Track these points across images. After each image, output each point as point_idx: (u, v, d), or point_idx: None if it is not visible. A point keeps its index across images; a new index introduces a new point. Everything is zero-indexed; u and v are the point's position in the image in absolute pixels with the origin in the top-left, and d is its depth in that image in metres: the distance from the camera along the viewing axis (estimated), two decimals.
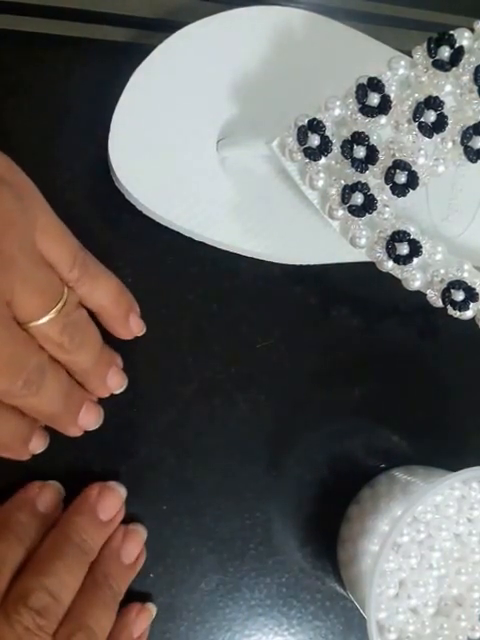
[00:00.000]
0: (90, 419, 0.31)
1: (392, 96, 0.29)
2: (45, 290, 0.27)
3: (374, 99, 0.29)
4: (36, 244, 0.27)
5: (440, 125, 0.28)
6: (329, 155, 0.30)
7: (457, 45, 0.28)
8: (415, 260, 0.30)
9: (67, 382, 0.29)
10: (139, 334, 0.32)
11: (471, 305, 0.30)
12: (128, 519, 0.33)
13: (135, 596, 0.32)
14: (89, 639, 0.27)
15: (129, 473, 0.33)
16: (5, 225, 0.25)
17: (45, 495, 0.31)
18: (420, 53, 0.28)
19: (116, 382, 0.32)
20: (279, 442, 0.35)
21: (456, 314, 0.30)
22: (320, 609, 0.36)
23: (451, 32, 0.28)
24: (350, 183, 0.30)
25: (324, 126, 0.29)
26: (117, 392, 0.32)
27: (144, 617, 0.32)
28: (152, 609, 0.33)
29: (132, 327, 0.32)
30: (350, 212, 0.30)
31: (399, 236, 0.29)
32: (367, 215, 0.30)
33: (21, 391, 0.27)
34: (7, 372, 0.26)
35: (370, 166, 0.29)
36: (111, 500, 0.31)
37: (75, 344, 0.28)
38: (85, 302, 0.30)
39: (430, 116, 0.28)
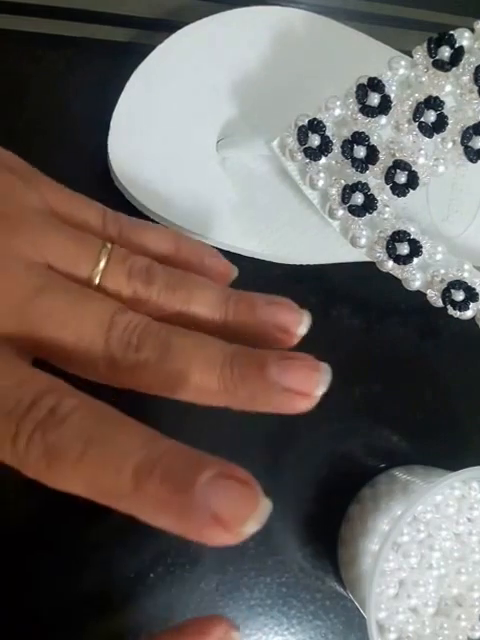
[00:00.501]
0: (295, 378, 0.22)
1: (392, 96, 0.29)
2: (79, 238, 0.23)
3: (374, 99, 0.29)
4: (56, 211, 0.24)
5: (440, 125, 0.28)
6: (329, 155, 0.30)
7: (457, 45, 0.28)
8: (415, 260, 0.30)
9: (210, 337, 0.22)
10: (230, 274, 0.27)
11: (471, 305, 0.30)
12: (128, 518, 0.32)
13: (135, 596, 0.32)
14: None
15: None
16: (12, 195, 0.23)
17: None
18: (420, 53, 0.28)
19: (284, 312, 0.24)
20: (279, 441, 0.35)
21: (456, 314, 0.30)
22: (320, 609, 0.36)
23: (451, 32, 0.28)
24: (350, 183, 0.30)
25: (324, 126, 0.29)
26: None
27: None
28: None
29: (213, 268, 0.26)
30: (350, 212, 0.30)
31: (399, 236, 0.30)
32: (367, 215, 0.30)
33: (126, 357, 0.21)
34: (99, 326, 0.21)
35: (370, 166, 0.29)
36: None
37: (157, 287, 0.23)
38: (147, 253, 0.25)
39: (430, 116, 0.28)
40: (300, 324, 0.24)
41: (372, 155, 0.29)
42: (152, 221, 0.32)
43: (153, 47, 0.32)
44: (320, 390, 0.22)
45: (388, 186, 0.29)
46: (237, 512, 0.19)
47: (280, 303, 0.24)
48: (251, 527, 0.19)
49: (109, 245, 0.23)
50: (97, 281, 0.23)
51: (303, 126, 0.30)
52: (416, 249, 0.30)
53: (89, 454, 0.18)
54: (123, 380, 0.22)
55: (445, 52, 0.28)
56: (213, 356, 0.22)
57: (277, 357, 0.22)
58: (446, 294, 0.30)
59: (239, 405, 0.22)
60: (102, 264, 0.23)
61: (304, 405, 0.22)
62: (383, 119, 0.29)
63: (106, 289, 0.23)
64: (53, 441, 0.18)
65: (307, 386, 0.22)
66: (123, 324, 0.21)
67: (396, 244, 0.30)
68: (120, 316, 0.22)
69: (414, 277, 0.30)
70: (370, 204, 0.30)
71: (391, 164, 0.29)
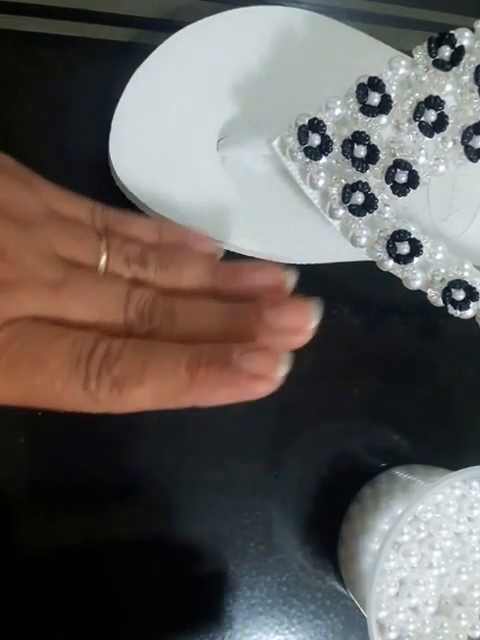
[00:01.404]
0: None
1: (393, 96, 0.29)
2: (80, 235, 0.26)
3: (375, 99, 0.29)
4: (55, 211, 0.26)
5: (440, 125, 0.28)
6: (330, 154, 0.30)
7: (457, 45, 0.28)
8: (416, 259, 0.30)
9: (206, 301, 0.26)
10: (212, 251, 0.29)
11: (471, 304, 0.30)
12: (127, 519, 0.33)
13: (136, 596, 0.33)
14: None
15: (129, 473, 0.33)
16: (12, 199, 0.25)
17: None
18: (421, 53, 0.28)
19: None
20: (279, 441, 0.35)
21: (457, 313, 0.30)
22: (320, 608, 0.36)
23: (451, 32, 0.28)
24: (351, 182, 0.30)
25: (325, 125, 0.29)
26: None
27: None
28: None
29: (195, 248, 0.28)
30: (351, 211, 0.30)
31: (400, 235, 0.30)
32: (368, 214, 0.30)
33: (142, 326, 0.24)
34: (117, 303, 0.24)
35: (371, 165, 0.29)
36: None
37: (152, 268, 0.26)
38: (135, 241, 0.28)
39: (431, 116, 0.28)
40: (285, 282, 0.27)
41: (372, 155, 0.29)
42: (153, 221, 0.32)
43: (154, 47, 0.32)
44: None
45: (388, 186, 0.29)
46: (266, 367, 0.23)
47: (261, 268, 0.27)
48: (280, 371, 0.23)
49: (105, 239, 0.26)
50: (102, 268, 0.26)
51: (303, 126, 0.30)
52: (416, 248, 0.30)
53: (148, 371, 0.22)
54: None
55: (445, 52, 0.28)
56: (214, 315, 0.25)
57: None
58: (446, 293, 0.30)
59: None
60: (104, 256, 0.26)
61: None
62: (383, 119, 0.29)
63: (112, 274, 0.26)
64: (118, 372, 0.22)
65: (302, 316, 0.25)
66: (137, 299, 0.25)
67: (396, 243, 0.30)
68: (133, 293, 0.25)
69: (414, 276, 0.30)
70: (370, 203, 0.30)
71: (391, 163, 0.29)
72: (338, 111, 0.29)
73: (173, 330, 0.25)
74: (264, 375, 0.23)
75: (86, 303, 0.24)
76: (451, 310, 0.30)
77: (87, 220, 0.27)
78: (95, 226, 0.27)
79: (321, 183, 0.30)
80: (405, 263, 0.30)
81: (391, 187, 0.29)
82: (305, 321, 0.25)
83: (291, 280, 0.27)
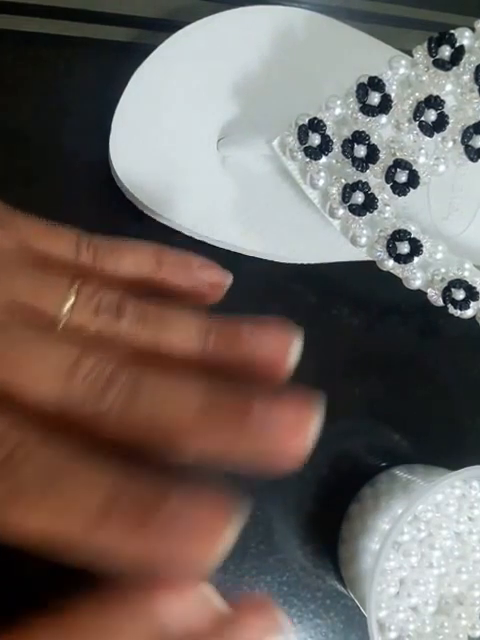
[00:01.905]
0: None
1: (393, 95, 0.29)
2: (48, 279, 0.22)
3: (375, 98, 0.29)
4: (31, 249, 0.23)
5: (441, 124, 0.28)
6: (330, 154, 0.30)
7: (458, 44, 0.28)
8: (416, 259, 0.30)
9: (184, 377, 0.20)
10: (225, 285, 0.25)
11: (472, 304, 0.30)
12: None
13: None
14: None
15: None
16: None
17: None
18: (421, 52, 0.28)
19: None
20: None
21: (457, 313, 0.30)
22: (320, 607, 0.36)
23: (452, 31, 0.28)
24: (351, 182, 0.30)
25: (325, 125, 0.29)
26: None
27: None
28: None
29: (202, 277, 0.25)
30: (351, 211, 0.30)
31: (400, 235, 0.30)
32: (368, 214, 0.30)
33: (90, 399, 0.19)
34: (56, 372, 0.20)
35: (371, 165, 0.29)
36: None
37: (128, 320, 0.22)
38: (123, 279, 0.24)
39: (431, 115, 0.28)
40: (290, 354, 0.22)
41: (372, 154, 0.29)
42: (153, 220, 0.32)
43: (154, 47, 0.32)
44: (311, 430, 0.19)
45: (388, 185, 0.29)
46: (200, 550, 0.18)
47: (268, 329, 0.22)
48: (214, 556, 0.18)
49: (77, 284, 0.22)
50: (64, 320, 0.22)
51: (303, 125, 0.30)
52: (416, 248, 0.30)
53: (49, 496, 0.18)
54: (81, 429, 0.20)
55: (446, 51, 0.28)
56: (188, 396, 0.20)
57: (264, 398, 0.20)
58: (447, 293, 0.30)
59: (216, 450, 0.20)
60: (69, 303, 0.22)
61: (293, 449, 0.20)
62: (383, 118, 0.29)
63: (74, 327, 0.22)
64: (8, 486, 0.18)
65: (297, 427, 0.20)
66: (86, 369, 0.20)
67: (396, 243, 0.30)
68: (83, 361, 0.20)
69: (414, 276, 0.30)
70: (370, 203, 0.30)
71: (391, 163, 0.29)
72: (338, 111, 0.29)
73: (127, 415, 0.19)
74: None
75: (13, 364, 0.20)
76: (451, 310, 0.30)
77: (71, 254, 0.24)
78: (80, 260, 0.24)
79: (321, 183, 0.30)
80: (405, 263, 0.30)
81: (391, 187, 0.29)
82: (303, 427, 0.20)
83: (297, 346, 0.22)
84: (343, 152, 0.30)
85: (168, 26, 0.33)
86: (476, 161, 0.29)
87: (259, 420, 0.19)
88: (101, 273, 0.24)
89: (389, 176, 0.29)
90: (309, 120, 0.29)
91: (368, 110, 0.29)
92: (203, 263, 0.25)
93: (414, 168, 0.29)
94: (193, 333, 0.22)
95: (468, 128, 0.28)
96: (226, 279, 0.25)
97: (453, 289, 0.30)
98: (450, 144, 0.29)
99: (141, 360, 0.21)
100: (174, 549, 0.18)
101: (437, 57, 0.28)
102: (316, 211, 0.32)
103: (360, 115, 0.29)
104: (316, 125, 0.29)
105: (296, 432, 0.19)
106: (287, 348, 0.22)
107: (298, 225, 0.33)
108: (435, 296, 0.30)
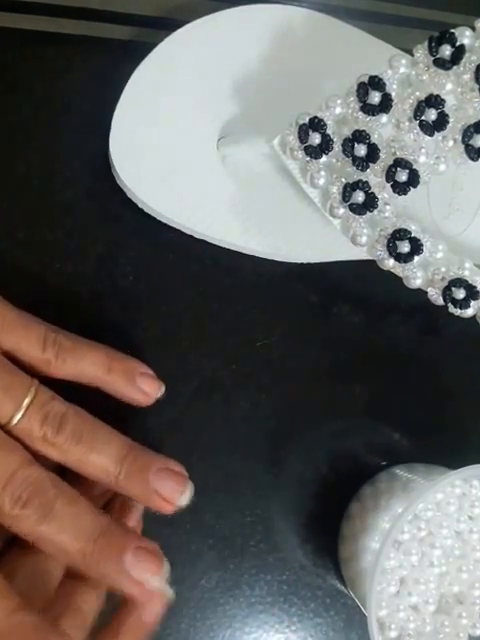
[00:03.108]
0: (145, 564, 0.26)
1: (393, 94, 0.29)
2: (9, 387, 0.26)
3: (375, 97, 0.29)
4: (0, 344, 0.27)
5: (441, 123, 0.28)
6: (330, 153, 0.30)
7: (458, 43, 0.28)
8: (416, 258, 0.30)
9: (90, 509, 0.26)
10: (156, 395, 0.30)
11: (472, 303, 0.30)
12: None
13: None
14: None
15: None
16: None
17: None
18: (421, 51, 0.28)
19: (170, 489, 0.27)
20: (280, 440, 0.35)
21: (457, 312, 0.30)
22: (321, 606, 0.36)
23: (452, 31, 0.28)
24: (351, 181, 0.30)
25: (325, 124, 0.29)
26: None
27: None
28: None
29: (142, 389, 0.29)
30: (351, 210, 0.30)
31: (400, 234, 0.30)
32: (368, 213, 0.30)
33: (12, 510, 0.24)
34: None
35: (371, 164, 0.29)
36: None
37: (65, 436, 0.26)
38: (78, 379, 0.28)
39: (431, 114, 0.28)
40: (182, 496, 0.27)
41: (373, 153, 0.29)
42: (153, 219, 0.32)
43: (154, 45, 0.32)
44: (160, 587, 0.25)
45: (389, 184, 0.29)
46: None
47: (169, 472, 0.27)
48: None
49: (34, 389, 0.26)
50: (15, 423, 0.26)
51: (304, 124, 0.30)
52: (417, 247, 0.30)
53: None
54: (5, 524, 0.25)
55: (446, 50, 0.28)
56: (84, 529, 0.25)
57: (135, 546, 0.25)
58: (447, 292, 0.30)
59: (95, 578, 0.26)
60: (23, 407, 0.26)
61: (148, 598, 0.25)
62: (384, 117, 0.29)
63: (21, 430, 0.26)
64: None
65: (151, 584, 0.25)
66: (21, 479, 0.25)
67: (397, 242, 0.30)
68: (23, 471, 0.25)
69: (415, 275, 0.30)
70: (371, 202, 0.30)
71: (392, 162, 0.29)
72: (339, 110, 0.29)
73: (38, 527, 0.24)
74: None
75: None
76: (451, 309, 0.30)
77: (37, 350, 0.27)
78: (45, 355, 0.27)
79: (321, 182, 0.30)
80: (405, 262, 0.30)
81: (391, 186, 0.29)
82: (156, 584, 0.25)
83: (188, 495, 0.27)
84: (343, 151, 0.29)
85: (168, 25, 0.32)
86: (476, 160, 0.29)
87: (129, 563, 0.25)
88: (59, 370, 0.28)
89: (389, 175, 0.29)
90: (309, 119, 0.29)
91: (368, 109, 0.29)
92: (144, 372, 0.29)
93: (414, 167, 0.29)
94: (112, 457, 0.27)
95: (468, 127, 0.28)
96: (159, 390, 0.30)
97: (453, 288, 0.30)
98: (450, 143, 0.29)
99: (72, 468, 0.27)
100: None
101: (437, 56, 0.28)
102: (316, 210, 0.31)
103: (360, 114, 0.29)
104: (316, 124, 0.29)
105: (152, 583, 0.26)
106: (179, 496, 0.27)
107: (298, 224, 0.33)
108: (435, 295, 0.30)
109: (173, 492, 0.27)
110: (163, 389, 0.30)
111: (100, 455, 0.26)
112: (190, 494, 0.27)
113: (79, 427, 0.26)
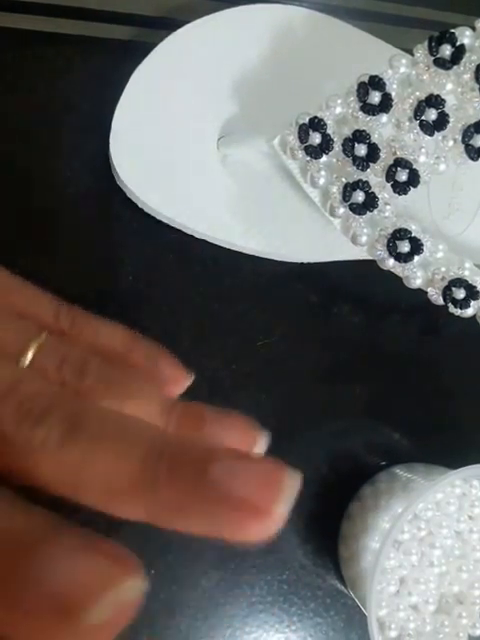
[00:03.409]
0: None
1: (393, 94, 0.29)
2: (19, 325, 0.22)
3: (375, 97, 0.29)
4: (8, 301, 0.23)
5: (441, 123, 0.28)
6: (330, 153, 0.30)
7: (458, 43, 0.28)
8: (416, 258, 0.30)
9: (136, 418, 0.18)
10: (184, 382, 0.24)
11: (472, 303, 0.30)
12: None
13: None
14: None
15: None
16: None
17: None
18: (421, 51, 0.28)
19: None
20: (280, 440, 0.35)
21: (457, 312, 0.30)
22: (321, 606, 0.36)
23: (452, 30, 0.28)
24: (351, 181, 0.30)
25: (325, 124, 0.29)
26: None
27: None
28: None
29: (167, 372, 0.24)
30: (351, 210, 0.30)
31: (400, 234, 0.30)
32: (368, 213, 0.30)
33: (19, 430, 0.17)
34: None
35: (371, 164, 0.29)
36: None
37: (90, 380, 0.21)
38: (98, 349, 0.23)
39: (431, 114, 0.28)
40: (256, 445, 0.21)
41: (373, 153, 0.29)
42: (153, 219, 0.32)
43: (154, 45, 0.32)
44: (282, 506, 0.16)
45: (389, 184, 0.29)
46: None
47: (230, 423, 0.21)
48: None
49: (44, 335, 0.21)
50: (27, 358, 0.20)
51: (304, 124, 0.30)
52: (417, 247, 0.30)
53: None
54: (7, 465, 0.17)
55: (446, 50, 0.28)
56: (137, 441, 0.17)
57: (228, 454, 0.16)
58: (447, 292, 0.30)
59: (164, 517, 0.16)
60: (35, 344, 0.21)
61: (257, 528, 0.16)
62: (384, 117, 0.29)
63: (36, 368, 0.21)
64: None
65: (264, 497, 0.16)
66: (25, 392, 0.18)
67: (397, 242, 0.30)
68: (27, 384, 0.18)
69: (415, 275, 0.30)
70: (371, 202, 0.30)
71: (392, 162, 0.29)
72: (339, 110, 0.29)
73: (61, 450, 0.17)
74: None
75: None
76: (451, 309, 0.30)
77: (50, 316, 0.23)
78: (58, 324, 0.23)
79: (322, 182, 0.30)
80: (405, 262, 0.30)
81: (392, 186, 0.29)
82: (271, 497, 0.16)
83: (263, 445, 0.21)
84: (344, 151, 0.29)
85: (168, 24, 0.32)
86: (476, 160, 0.29)
87: (221, 477, 0.16)
88: (77, 339, 0.23)
89: (390, 175, 0.29)
90: (310, 119, 0.29)
91: (369, 109, 0.29)
92: (170, 359, 0.24)
93: (414, 167, 0.29)
94: (156, 408, 0.20)
95: (469, 127, 0.28)
96: (187, 379, 0.24)
97: (453, 288, 0.30)
98: (450, 143, 0.29)
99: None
100: None
101: (438, 56, 0.28)
102: (317, 210, 0.31)
103: (361, 114, 0.29)
104: (317, 124, 0.29)
105: (268, 497, 0.16)
106: (252, 446, 0.20)
107: (298, 224, 0.33)
108: (435, 295, 0.30)
109: (244, 440, 0.21)
110: (191, 378, 0.24)
111: (139, 402, 0.20)
112: (266, 443, 0.21)
113: (107, 371, 0.21)
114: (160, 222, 0.33)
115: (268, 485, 0.15)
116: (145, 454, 0.16)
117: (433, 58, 0.28)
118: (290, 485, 0.16)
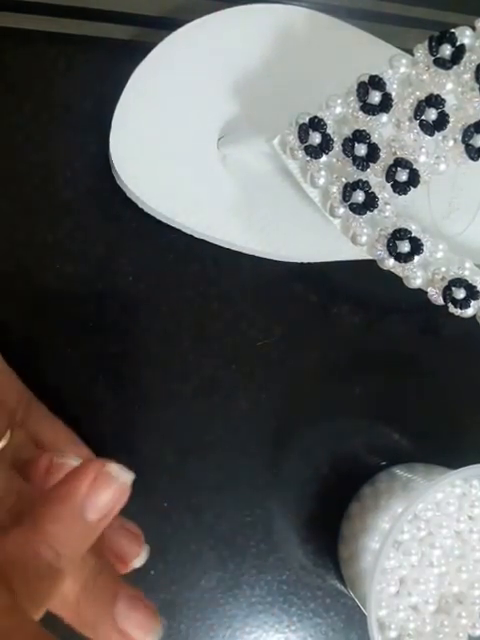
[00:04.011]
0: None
1: (393, 94, 0.29)
2: None
3: (375, 97, 0.29)
4: None
5: (441, 123, 0.28)
6: (330, 153, 0.30)
7: (458, 43, 0.28)
8: (416, 258, 0.30)
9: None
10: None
11: (472, 303, 0.30)
12: (127, 518, 0.33)
13: None
14: None
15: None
16: None
17: None
18: (421, 51, 0.28)
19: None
20: (280, 440, 0.35)
21: (457, 312, 0.30)
22: (320, 606, 0.36)
23: (452, 30, 0.28)
24: (351, 181, 0.30)
25: (325, 124, 0.29)
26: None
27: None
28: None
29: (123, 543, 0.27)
30: (351, 210, 0.30)
31: (400, 234, 0.30)
32: (368, 213, 0.30)
33: None
34: None
35: (371, 164, 0.29)
36: (107, 494, 0.23)
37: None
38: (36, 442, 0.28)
39: (431, 114, 0.28)
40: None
41: (373, 153, 0.29)
42: (153, 219, 0.32)
43: (154, 45, 0.32)
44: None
45: (389, 184, 0.29)
46: None
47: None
48: None
49: (9, 433, 0.26)
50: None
51: (304, 124, 0.30)
52: (417, 247, 0.30)
53: None
54: None
55: (446, 50, 0.28)
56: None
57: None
58: (447, 292, 0.30)
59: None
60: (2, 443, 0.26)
61: None
62: (384, 117, 0.29)
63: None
64: None
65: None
66: None
67: (397, 242, 0.30)
68: None
69: (415, 275, 0.30)
70: (371, 202, 0.30)
71: (392, 162, 0.29)
72: (339, 109, 0.29)
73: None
74: None
75: None
76: (451, 309, 0.30)
77: (11, 404, 0.27)
78: (17, 413, 0.27)
79: (322, 181, 0.30)
80: (405, 262, 0.30)
81: (392, 186, 0.29)
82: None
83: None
84: (344, 151, 0.29)
85: (168, 24, 0.32)
86: (476, 160, 0.29)
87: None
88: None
89: (390, 175, 0.29)
90: (309, 119, 0.29)
91: (369, 109, 0.29)
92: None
93: (414, 167, 0.29)
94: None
95: (469, 127, 0.28)
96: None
97: (453, 288, 0.30)
98: (451, 143, 0.28)
99: None
100: None
101: (438, 56, 0.28)
102: (317, 210, 0.31)
103: (361, 114, 0.29)
104: (317, 124, 0.29)
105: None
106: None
107: (298, 224, 0.33)
108: (435, 295, 0.30)
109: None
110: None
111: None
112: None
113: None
114: (160, 222, 0.33)
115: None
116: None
117: (433, 58, 0.28)
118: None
